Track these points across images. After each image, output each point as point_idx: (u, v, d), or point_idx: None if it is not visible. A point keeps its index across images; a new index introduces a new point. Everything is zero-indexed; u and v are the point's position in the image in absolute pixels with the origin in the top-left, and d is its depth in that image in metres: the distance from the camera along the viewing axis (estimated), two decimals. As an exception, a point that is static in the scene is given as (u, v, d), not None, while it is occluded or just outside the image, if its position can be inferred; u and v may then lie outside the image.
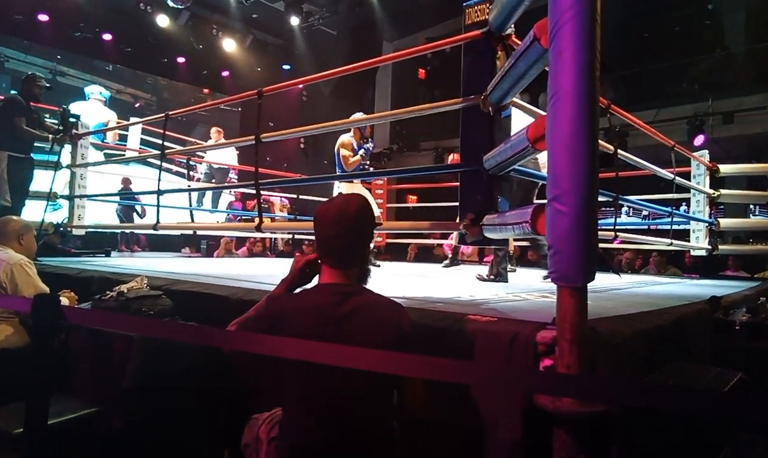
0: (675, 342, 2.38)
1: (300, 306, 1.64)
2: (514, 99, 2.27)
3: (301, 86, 12.38)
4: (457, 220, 2.41)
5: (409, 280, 3.90)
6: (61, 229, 5.39)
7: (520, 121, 2.71)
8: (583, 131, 1.39)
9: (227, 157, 9.21)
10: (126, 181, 7.78)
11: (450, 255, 6.05)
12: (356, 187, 5.24)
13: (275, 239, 9.41)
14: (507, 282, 3.71)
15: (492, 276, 3.77)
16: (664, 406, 1.31)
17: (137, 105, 11.37)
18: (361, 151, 5.14)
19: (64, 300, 3.02)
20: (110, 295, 2.89)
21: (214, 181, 8.67)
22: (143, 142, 8.90)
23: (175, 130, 8.24)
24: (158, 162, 4.46)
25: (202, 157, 8.68)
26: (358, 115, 5.11)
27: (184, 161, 7.91)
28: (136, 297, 2.84)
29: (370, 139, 5.29)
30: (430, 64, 12.55)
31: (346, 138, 5.21)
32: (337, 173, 5.22)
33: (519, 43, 1.94)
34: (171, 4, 9.66)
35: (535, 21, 1.66)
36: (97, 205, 6.33)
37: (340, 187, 5.31)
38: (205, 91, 12.59)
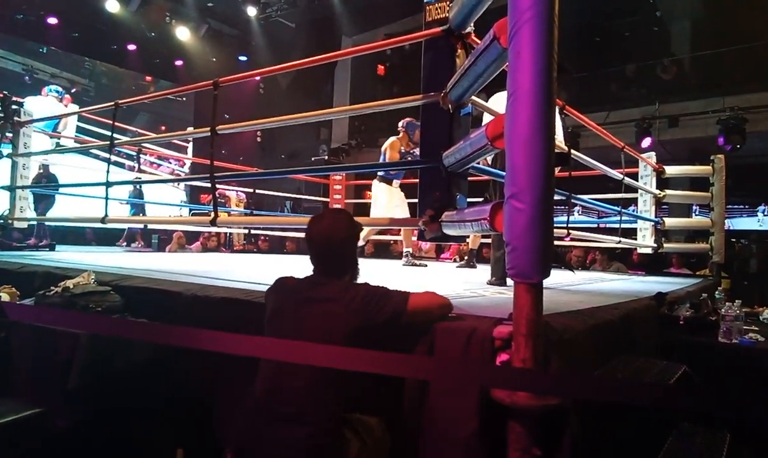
0: (623, 336, 2.47)
1: (288, 283, 1.93)
2: (474, 98, 2.30)
3: (258, 79, 12.15)
4: (417, 216, 2.41)
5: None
6: (1, 221, 5.11)
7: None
8: (540, 130, 1.42)
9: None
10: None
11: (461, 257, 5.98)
12: (395, 191, 5.25)
13: (230, 234, 9.22)
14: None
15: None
16: (613, 399, 1.36)
17: (73, 90, 10.81)
18: (408, 158, 5.05)
19: (5, 296, 2.86)
20: (55, 291, 2.75)
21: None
22: (79, 130, 8.54)
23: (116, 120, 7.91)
24: (99, 152, 4.28)
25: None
26: (405, 121, 5.16)
27: (132, 153, 7.64)
28: (82, 293, 2.72)
29: (417, 146, 5.18)
30: (390, 60, 12.56)
31: (395, 140, 5.18)
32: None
33: (479, 42, 1.96)
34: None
35: (494, 21, 1.68)
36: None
37: (379, 186, 5.26)
38: (148, 78, 12.12)
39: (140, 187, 7.65)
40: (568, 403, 1.61)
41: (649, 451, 2.09)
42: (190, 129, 8.23)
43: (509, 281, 3.54)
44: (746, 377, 2.95)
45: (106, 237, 8.42)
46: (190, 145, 9.49)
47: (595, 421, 1.79)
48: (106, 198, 4.15)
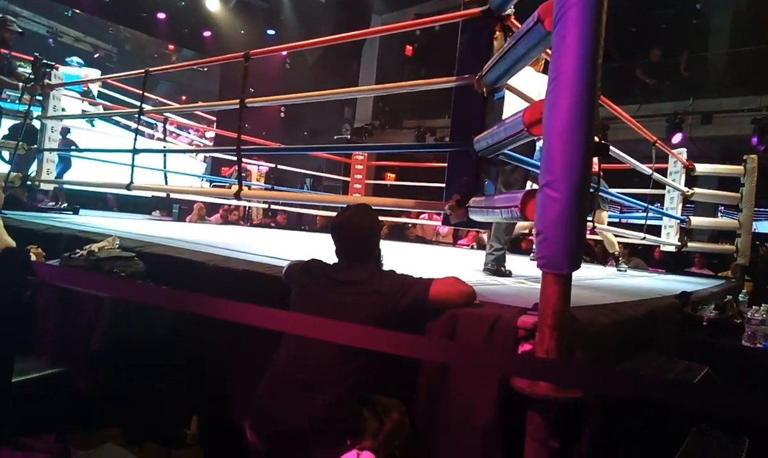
0: (647, 333, 2.43)
1: (318, 265, 1.98)
2: (508, 82, 2.25)
3: (284, 53, 12.11)
4: (444, 200, 2.39)
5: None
6: (29, 182, 5.19)
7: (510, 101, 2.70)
8: (581, 119, 1.38)
9: None
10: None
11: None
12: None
13: (250, 208, 9.28)
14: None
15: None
16: (639, 395, 1.33)
17: (96, 55, 10.84)
18: None
19: (32, 256, 2.91)
20: (80, 254, 2.79)
21: None
22: (101, 96, 8.62)
23: (137, 87, 7.94)
24: (120, 119, 4.30)
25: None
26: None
27: (152, 121, 7.70)
28: (107, 258, 2.75)
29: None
30: (418, 41, 12.39)
31: None
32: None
33: (518, 25, 1.91)
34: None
35: (536, 4, 1.63)
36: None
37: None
38: (171, 47, 12.12)
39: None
40: (590, 397, 1.59)
41: (666, 450, 2.07)
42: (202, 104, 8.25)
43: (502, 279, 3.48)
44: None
45: (127, 203, 8.53)
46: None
47: (614, 416, 1.77)
48: (132, 165, 4.18)
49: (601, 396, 1.65)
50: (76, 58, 8.17)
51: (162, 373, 2.52)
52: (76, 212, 5.79)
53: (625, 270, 5.51)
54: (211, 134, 10.90)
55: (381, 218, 8.56)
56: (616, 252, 5.54)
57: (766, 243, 10.17)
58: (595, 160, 4.69)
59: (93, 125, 8.87)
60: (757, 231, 9.65)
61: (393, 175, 11.27)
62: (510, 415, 1.59)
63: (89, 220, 5.06)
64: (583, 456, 1.60)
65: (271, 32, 12.27)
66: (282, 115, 13.05)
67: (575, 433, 1.63)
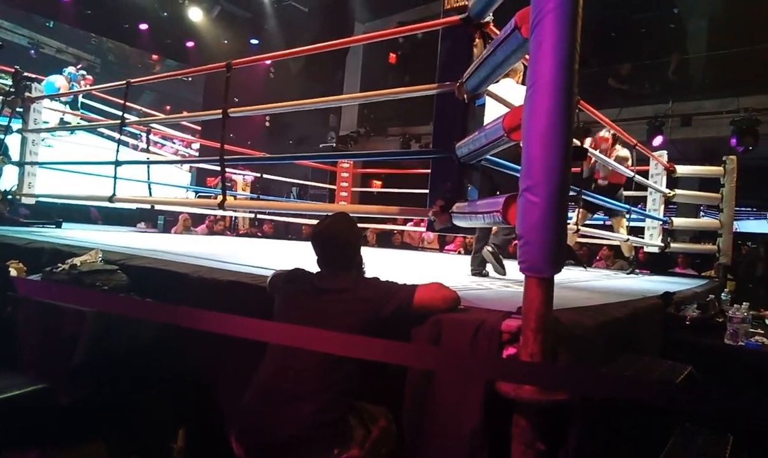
0: (631, 334, 2.46)
1: (301, 274, 1.99)
2: (489, 88, 2.27)
3: (268, 62, 12.09)
4: (427, 207, 2.40)
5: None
6: (9, 196, 5.12)
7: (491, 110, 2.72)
8: (559, 123, 1.40)
9: None
10: None
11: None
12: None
13: (236, 218, 9.23)
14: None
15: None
16: (623, 396, 1.35)
17: (79, 66, 10.79)
18: None
19: (13, 271, 2.87)
20: (62, 268, 2.76)
21: None
22: (84, 107, 8.54)
23: (120, 98, 7.89)
24: (103, 130, 4.26)
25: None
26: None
27: (137, 132, 7.65)
28: (89, 271, 2.72)
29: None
30: (401, 49, 12.46)
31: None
32: None
33: (497, 32, 1.93)
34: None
35: (514, 11, 1.65)
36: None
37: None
38: (154, 57, 12.06)
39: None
40: (574, 398, 1.60)
41: (652, 449, 2.09)
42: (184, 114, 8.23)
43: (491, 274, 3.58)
44: (751, 380, 2.93)
45: (111, 216, 8.44)
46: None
47: (599, 417, 1.79)
48: (115, 177, 4.14)
49: (586, 398, 1.67)
50: (70, 69, 8.09)
51: (147, 386, 2.49)
52: (58, 226, 5.72)
53: (636, 274, 5.56)
54: (197, 145, 10.85)
55: (368, 225, 8.56)
56: (631, 257, 5.61)
57: (748, 242, 10.36)
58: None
59: (72, 133, 8.79)
60: (738, 230, 9.82)
61: (379, 183, 11.29)
62: (496, 419, 1.59)
63: (72, 233, 5.00)
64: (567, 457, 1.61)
65: (254, 41, 12.25)
66: (267, 124, 13.02)
67: (561, 435, 1.64)
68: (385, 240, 9.26)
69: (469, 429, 1.66)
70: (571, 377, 1.34)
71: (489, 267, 3.60)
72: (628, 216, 5.11)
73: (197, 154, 10.99)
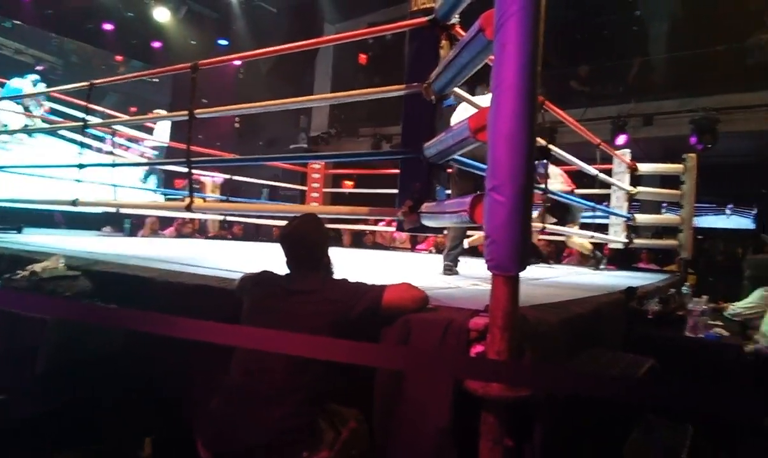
0: (595, 329, 2.52)
1: (269, 276, 1.98)
2: (456, 89, 2.29)
3: (237, 63, 11.94)
4: (397, 207, 2.41)
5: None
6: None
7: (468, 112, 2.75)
8: (523, 124, 1.42)
9: (166, 134, 8.80)
10: None
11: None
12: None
13: (205, 220, 9.09)
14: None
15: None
16: (585, 392, 1.38)
17: (39, 67, 10.38)
18: None
19: (-32, 279, 2.77)
20: (21, 275, 2.68)
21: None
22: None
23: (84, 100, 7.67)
24: (66, 133, 4.14)
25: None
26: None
27: (102, 135, 7.47)
28: (50, 278, 2.65)
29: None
30: (372, 50, 12.47)
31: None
32: None
33: (463, 33, 1.96)
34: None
35: (480, 13, 1.68)
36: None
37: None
38: (118, 58, 11.75)
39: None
40: (541, 395, 1.63)
41: (615, 442, 2.14)
42: (160, 111, 8.08)
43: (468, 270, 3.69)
44: (711, 371, 3.04)
45: (75, 220, 8.21)
46: (158, 127, 9.22)
47: (565, 412, 1.82)
48: (78, 180, 4.04)
49: (552, 394, 1.70)
50: (35, 78, 7.88)
51: (112, 395, 2.43)
52: (19, 231, 5.53)
53: (603, 268, 5.65)
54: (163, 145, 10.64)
55: (340, 226, 8.51)
56: (592, 253, 5.70)
57: (711, 237, 10.71)
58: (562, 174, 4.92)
59: (31, 136, 8.52)
60: (699, 225, 10.15)
61: (351, 183, 11.27)
62: (464, 416, 1.61)
63: (33, 238, 4.84)
64: (536, 453, 1.64)
65: (223, 42, 12.09)
66: (237, 125, 12.86)
67: (528, 431, 1.67)
68: (357, 240, 9.25)
69: (438, 427, 1.68)
70: (535, 374, 1.37)
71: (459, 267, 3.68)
72: (590, 213, 5.25)
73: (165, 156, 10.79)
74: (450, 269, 3.62)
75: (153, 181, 8.63)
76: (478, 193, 1.63)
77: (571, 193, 5.10)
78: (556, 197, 3.97)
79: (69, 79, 8.37)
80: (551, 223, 4.44)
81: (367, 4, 11.18)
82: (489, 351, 1.56)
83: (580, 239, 5.25)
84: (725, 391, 1.03)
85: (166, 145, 8.69)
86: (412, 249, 8.68)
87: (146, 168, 8.10)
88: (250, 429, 1.67)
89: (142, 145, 9.51)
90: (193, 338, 1.38)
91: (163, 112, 8.34)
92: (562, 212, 4.83)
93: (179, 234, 8.12)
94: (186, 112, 3.22)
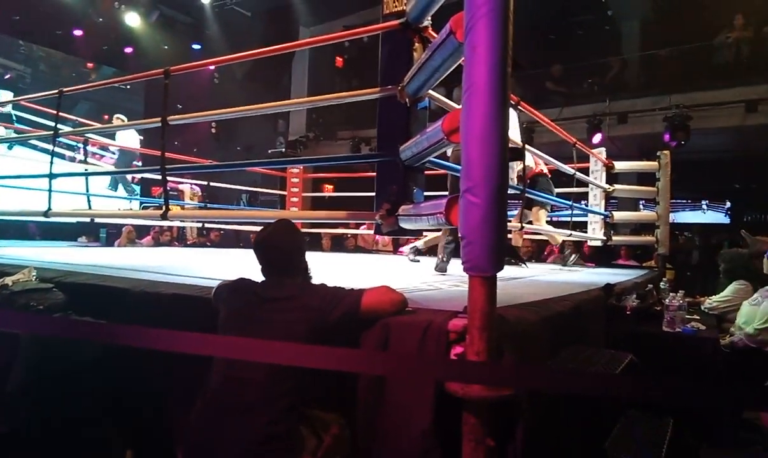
0: (574, 326, 2.54)
1: (246, 284, 1.96)
2: (431, 91, 2.30)
3: (212, 68, 11.83)
4: (374, 210, 2.40)
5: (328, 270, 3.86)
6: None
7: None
8: (495, 125, 1.43)
9: (131, 141, 8.64)
10: None
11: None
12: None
13: (183, 228, 8.97)
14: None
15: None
16: (563, 390, 1.39)
17: (7, 76, 10.12)
18: None
19: (-65, 295, 2.69)
20: (-8, 289, 2.61)
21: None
22: (18, 120, 8.14)
23: (52, 108, 7.44)
24: (37, 143, 4.05)
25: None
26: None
27: (74, 144, 7.32)
28: (22, 291, 2.59)
29: None
30: (348, 52, 12.45)
31: None
32: None
33: (436, 36, 1.96)
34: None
35: (452, 15, 1.68)
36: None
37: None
38: (89, 65, 11.53)
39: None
40: (521, 394, 1.64)
41: (598, 437, 2.16)
42: (120, 116, 7.94)
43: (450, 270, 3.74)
44: (688, 364, 3.09)
45: (50, 230, 8.04)
46: (124, 134, 9.05)
47: (546, 410, 1.83)
48: (50, 190, 3.95)
49: (532, 392, 1.71)
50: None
51: (90, 409, 2.38)
52: (-10, 243, 5.40)
53: (571, 265, 5.69)
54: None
55: (320, 231, 8.47)
56: (566, 250, 5.72)
57: (685, 232, 10.92)
58: (540, 161, 4.91)
59: (10, 148, 8.31)
60: (675, 221, 10.34)
61: (331, 187, 11.24)
62: (446, 418, 1.61)
63: (6, 251, 4.73)
64: (518, 452, 1.65)
65: (196, 47, 11.96)
66: (213, 130, 12.72)
67: (510, 430, 1.68)
68: (338, 244, 9.23)
69: (421, 429, 1.68)
70: (515, 374, 1.38)
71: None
72: (549, 210, 5.26)
73: (140, 163, 10.64)
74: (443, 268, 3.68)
75: (121, 189, 8.49)
76: (453, 194, 1.63)
77: (543, 175, 5.07)
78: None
79: (38, 88, 8.17)
80: (527, 222, 4.47)
81: (342, 7, 11.17)
82: (468, 353, 1.56)
83: (553, 231, 5.26)
84: (702, 384, 1.05)
85: (131, 151, 8.54)
86: (395, 251, 8.68)
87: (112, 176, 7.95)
88: (230, 439, 1.65)
89: (115, 153, 9.34)
90: (170, 350, 1.36)
91: (123, 117, 8.19)
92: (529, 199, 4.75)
93: (157, 243, 8.01)
94: (158, 119, 3.18)
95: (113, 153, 8.52)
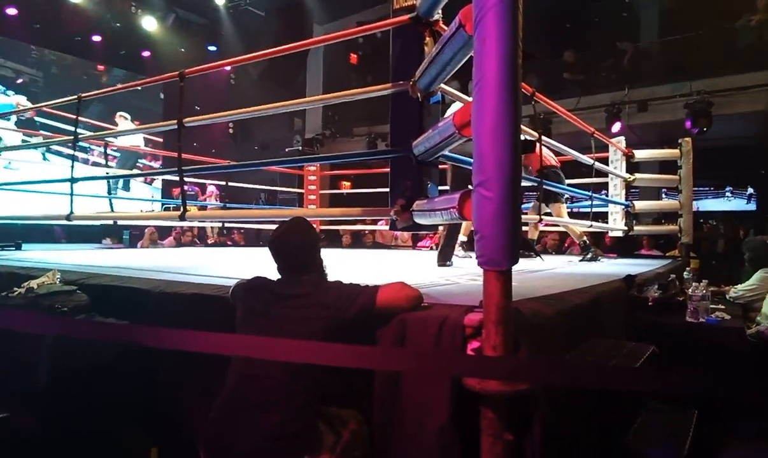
0: (593, 318, 2.51)
1: (262, 282, 1.98)
2: (443, 85, 2.28)
3: (228, 69, 11.92)
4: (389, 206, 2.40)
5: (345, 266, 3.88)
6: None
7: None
8: (507, 118, 1.41)
9: (133, 140, 8.70)
10: None
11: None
12: None
13: (204, 228, 9.09)
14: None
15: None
16: (580, 384, 1.37)
17: (19, 81, 10.24)
18: None
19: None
20: (18, 292, 2.67)
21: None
22: (30, 124, 8.30)
23: (66, 111, 7.04)
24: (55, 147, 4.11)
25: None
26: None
27: (86, 146, 7.43)
28: (47, 294, 2.64)
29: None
30: (362, 49, 12.45)
31: None
32: None
33: (446, 29, 1.95)
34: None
35: (461, 7, 1.67)
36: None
37: None
38: (100, 67, 11.65)
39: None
40: (539, 388, 1.63)
41: (618, 430, 2.14)
42: (123, 114, 8.01)
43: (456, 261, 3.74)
44: (713, 354, 3.03)
45: (75, 233, 8.20)
46: (135, 137, 9.14)
47: (565, 403, 1.82)
48: (71, 194, 4.03)
49: (550, 386, 1.69)
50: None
51: (115, 407, 2.43)
52: (18, 247, 5.54)
53: (594, 259, 5.35)
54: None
55: (338, 228, 8.48)
56: (584, 241, 5.58)
57: (710, 220, 10.70)
58: (551, 153, 4.84)
59: (45, 158, 8.50)
60: (699, 209, 10.13)
61: (348, 184, 11.26)
62: (464, 413, 1.61)
63: (32, 254, 4.85)
64: (536, 446, 1.64)
65: (212, 48, 12.05)
66: (231, 131, 12.83)
67: (528, 424, 1.67)
68: (359, 240, 9.25)
69: (439, 424, 1.68)
70: (531, 368, 1.36)
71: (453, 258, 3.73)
72: (567, 202, 5.16)
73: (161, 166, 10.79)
74: (444, 263, 3.67)
75: (137, 187, 8.59)
76: (467, 188, 1.62)
77: (552, 167, 4.94)
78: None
79: (50, 91, 8.26)
80: (545, 214, 4.42)
81: (355, 3, 11.15)
82: (485, 347, 1.55)
83: (571, 224, 5.16)
84: (726, 375, 1.02)
85: (132, 150, 8.61)
86: (414, 246, 8.67)
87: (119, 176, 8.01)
88: (249, 436, 1.67)
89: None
90: (187, 350, 1.38)
91: (126, 115, 8.24)
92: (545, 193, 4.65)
93: (179, 243, 8.12)
94: (175, 121, 3.21)
95: (116, 152, 8.64)
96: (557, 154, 4.92)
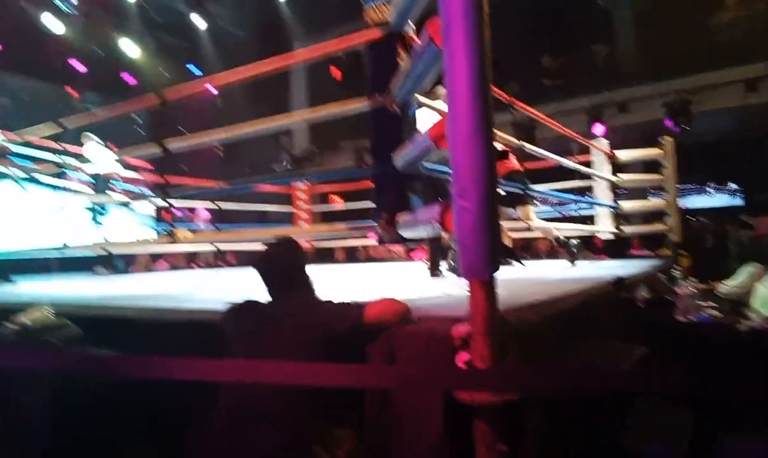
0: (584, 322, 2.51)
1: (250, 305, 1.99)
2: (418, 96, 2.30)
3: (215, 92, 11.93)
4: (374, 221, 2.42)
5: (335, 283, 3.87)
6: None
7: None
8: (479, 128, 1.43)
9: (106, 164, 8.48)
10: None
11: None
12: None
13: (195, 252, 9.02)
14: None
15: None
16: (569, 389, 1.38)
17: None
18: None
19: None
20: (11, 328, 2.65)
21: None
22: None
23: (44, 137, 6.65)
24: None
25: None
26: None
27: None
28: (40, 329, 2.62)
29: None
30: (343, 63, 12.49)
31: None
32: None
33: (418, 41, 1.98)
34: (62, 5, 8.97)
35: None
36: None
37: None
38: (74, 94, 11.47)
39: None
40: (530, 396, 1.63)
41: (613, 432, 2.14)
42: (89, 134, 7.83)
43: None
44: (703, 352, 3.04)
45: (69, 262, 8.09)
46: (88, 151, 8.78)
47: (557, 408, 1.82)
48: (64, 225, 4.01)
49: (539, 394, 1.70)
50: None
51: (114, 438, 2.40)
52: (9, 280, 5.47)
53: (577, 249, 5.39)
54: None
55: (331, 245, 8.40)
56: (559, 239, 5.55)
57: (699, 217, 10.77)
58: (513, 158, 4.84)
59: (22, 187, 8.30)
60: (686, 207, 10.20)
61: (340, 199, 11.24)
62: (458, 425, 1.60)
63: (23, 287, 4.80)
64: (530, 453, 1.64)
65: (195, 72, 12.09)
66: (220, 153, 12.81)
67: (521, 432, 1.67)
68: (353, 256, 9.23)
69: (432, 439, 1.67)
70: (521, 377, 1.38)
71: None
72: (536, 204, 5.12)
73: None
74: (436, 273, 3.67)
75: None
76: (446, 200, 1.64)
77: (516, 171, 4.88)
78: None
79: (21, 119, 7.81)
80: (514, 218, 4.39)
81: (336, 19, 11.23)
82: (474, 358, 1.56)
83: (540, 225, 5.09)
84: (717, 373, 1.04)
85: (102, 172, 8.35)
86: (408, 258, 8.64)
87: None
88: (243, 453, 1.66)
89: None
90: (179, 377, 1.38)
91: (92, 136, 7.85)
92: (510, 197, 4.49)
93: (172, 267, 8.08)
94: (156, 145, 3.22)
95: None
96: (535, 159, 4.93)
